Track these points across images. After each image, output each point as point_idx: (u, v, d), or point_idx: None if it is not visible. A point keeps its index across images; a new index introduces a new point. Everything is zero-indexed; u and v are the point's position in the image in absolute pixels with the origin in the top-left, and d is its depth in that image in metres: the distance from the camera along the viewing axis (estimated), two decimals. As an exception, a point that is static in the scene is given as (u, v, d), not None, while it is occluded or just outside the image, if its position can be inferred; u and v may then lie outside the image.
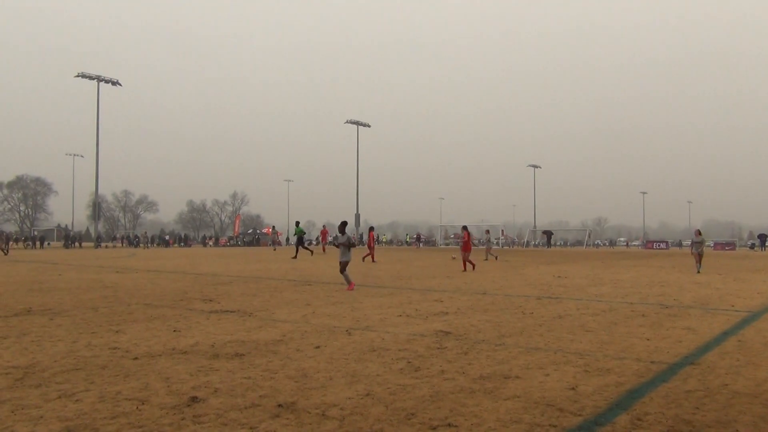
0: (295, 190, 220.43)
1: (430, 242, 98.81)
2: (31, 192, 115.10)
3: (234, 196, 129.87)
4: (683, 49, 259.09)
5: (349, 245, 13.30)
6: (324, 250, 40.27)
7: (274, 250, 50.29)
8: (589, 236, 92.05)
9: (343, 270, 13.29)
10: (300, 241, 32.12)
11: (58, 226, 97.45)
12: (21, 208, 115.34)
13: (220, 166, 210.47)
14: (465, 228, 21.08)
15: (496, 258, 30.64)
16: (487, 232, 32.46)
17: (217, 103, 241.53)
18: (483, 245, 33.06)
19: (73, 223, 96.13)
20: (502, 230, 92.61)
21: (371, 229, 29.58)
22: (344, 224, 13.72)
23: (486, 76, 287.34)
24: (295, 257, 29.59)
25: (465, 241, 20.67)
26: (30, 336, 7.19)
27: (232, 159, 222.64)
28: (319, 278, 16.57)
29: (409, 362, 5.81)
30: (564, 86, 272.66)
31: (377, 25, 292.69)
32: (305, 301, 11.06)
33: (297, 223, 33.26)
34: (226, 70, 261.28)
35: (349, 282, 13.24)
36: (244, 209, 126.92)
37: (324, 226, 43.77)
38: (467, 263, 20.51)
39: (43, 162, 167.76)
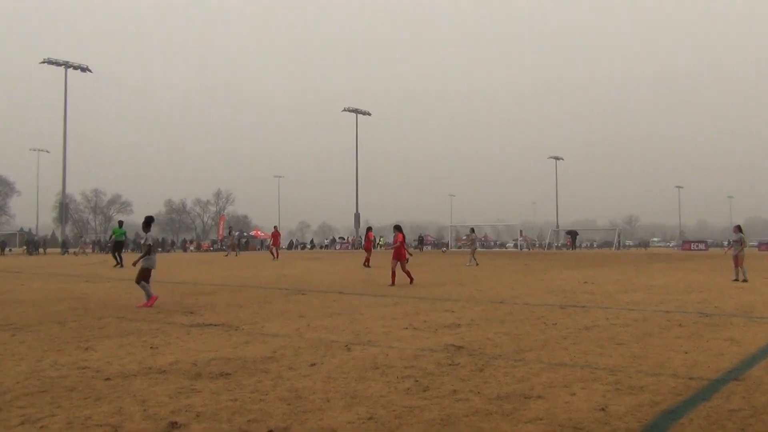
0: (287, 188, 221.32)
1: (439, 245, 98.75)
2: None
3: (218, 194, 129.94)
4: (725, 24, 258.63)
5: (149, 248, 11.99)
6: (274, 254, 37.29)
7: (226, 255, 45.95)
8: (619, 236, 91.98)
9: (139, 280, 11.91)
10: (116, 247, 29.16)
11: (21, 230, 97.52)
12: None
13: (201, 161, 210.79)
14: (398, 229, 18.01)
15: (477, 263, 29.61)
16: (472, 231, 32.11)
17: (197, 92, 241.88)
18: (468, 247, 32.40)
19: (37, 226, 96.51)
20: (521, 231, 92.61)
21: (369, 229, 29.47)
22: (148, 220, 12.34)
23: (500, 54, 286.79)
24: (120, 265, 27.39)
25: (397, 245, 17.69)
26: (-11, 354, 7.19)
27: (216, 153, 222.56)
28: (314, 286, 16.58)
29: (417, 381, 5.80)
30: (587, 65, 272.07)
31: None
32: (299, 312, 11.06)
33: (120, 224, 30.68)
34: (206, 52, 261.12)
35: (149, 296, 11.91)
36: (230, 209, 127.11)
37: (275, 227, 40.30)
38: (395, 274, 17.42)
39: (4, 158, 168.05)
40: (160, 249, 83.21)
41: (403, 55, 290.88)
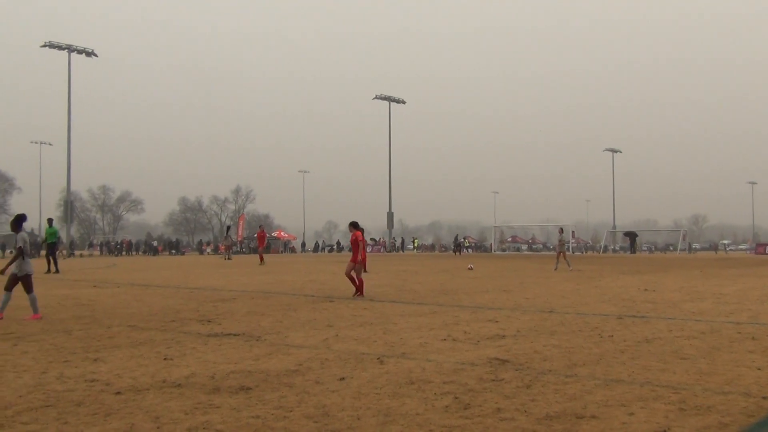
0: (313, 184, 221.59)
1: (482, 247, 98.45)
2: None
3: (237, 191, 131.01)
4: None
5: (20, 251, 11.46)
6: (262, 259, 36.78)
7: (227, 258, 45.67)
8: (684, 238, 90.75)
9: (10, 287, 11.41)
10: (51, 249, 28.44)
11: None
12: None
13: (219, 155, 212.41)
14: (355, 225, 16.77)
15: (570, 268, 29.17)
16: (561, 231, 31.80)
17: (213, 79, 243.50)
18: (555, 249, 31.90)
19: (40, 226, 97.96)
20: (573, 232, 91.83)
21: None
22: (19, 219, 11.88)
23: (552, 35, 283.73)
24: (49, 271, 27.09)
25: (354, 245, 16.30)
26: (-9, 365, 7.35)
27: (235, 146, 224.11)
28: (342, 293, 16.63)
29: (457, 398, 5.80)
30: (648, 50, 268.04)
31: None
32: (326, 321, 11.12)
33: (50, 222, 29.31)
34: (225, 35, 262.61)
35: (2, 308, 11.38)
36: (250, 208, 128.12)
37: (261, 227, 40.30)
38: (356, 282, 16.04)
39: (3, 152, 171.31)
40: (174, 251, 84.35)
41: (440, 38, 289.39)
